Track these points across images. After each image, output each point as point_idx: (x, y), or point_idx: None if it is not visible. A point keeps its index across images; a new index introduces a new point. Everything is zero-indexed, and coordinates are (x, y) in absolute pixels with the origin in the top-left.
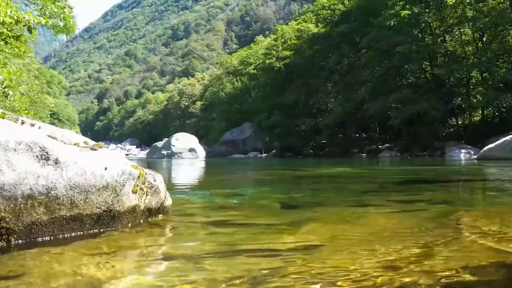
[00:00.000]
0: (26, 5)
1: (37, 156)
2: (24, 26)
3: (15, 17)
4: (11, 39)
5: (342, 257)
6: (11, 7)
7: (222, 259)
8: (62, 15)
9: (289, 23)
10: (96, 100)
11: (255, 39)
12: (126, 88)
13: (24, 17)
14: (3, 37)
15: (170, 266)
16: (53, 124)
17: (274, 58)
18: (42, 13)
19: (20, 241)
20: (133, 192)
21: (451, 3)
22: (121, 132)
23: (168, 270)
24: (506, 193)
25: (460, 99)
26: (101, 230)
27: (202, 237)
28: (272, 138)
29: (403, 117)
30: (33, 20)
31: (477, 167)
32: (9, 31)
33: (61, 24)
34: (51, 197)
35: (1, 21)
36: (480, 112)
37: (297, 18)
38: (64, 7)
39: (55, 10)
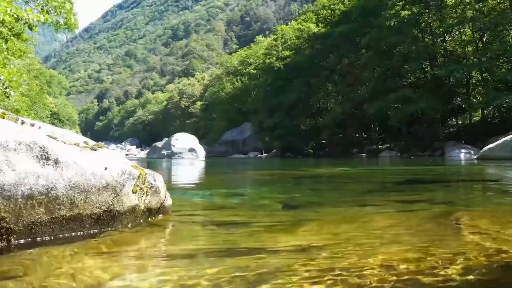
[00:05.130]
0: (26, 2)
1: (37, 156)
2: (24, 24)
3: (15, 15)
4: (12, 37)
5: (342, 257)
6: (11, 6)
7: (222, 259)
8: (63, 10)
9: (289, 23)
10: (96, 100)
11: (255, 39)
12: (126, 88)
13: (24, 15)
14: (3, 36)
15: (170, 266)
16: (53, 124)
17: (274, 58)
18: (41, 8)
19: (20, 241)
20: (133, 192)
21: (451, 3)
22: (121, 132)
23: (168, 270)
24: (506, 193)
25: (460, 99)
26: (101, 230)
27: (202, 237)
28: (272, 138)
29: (403, 117)
30: (33, 18)
31: (477, 167)
32: (9, 29)
33: (62, 20)
34: (51, 197)
35: (0, 19)
36: (480, 112)
37: (297, 18)
38: (64, 1)
39: (55, 4)
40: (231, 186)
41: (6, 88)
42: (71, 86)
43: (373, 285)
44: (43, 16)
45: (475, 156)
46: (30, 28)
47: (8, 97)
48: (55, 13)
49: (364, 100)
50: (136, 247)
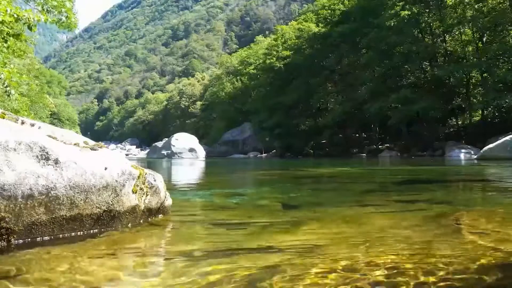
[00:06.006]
0: (26, 2)
1: (37, 156)
2: (24, 24)
3: (15, 15)
4: (11, 38)
5: (342, 257)
6: (11, 6)
7: (222, 259)
8: (63, 9)
9: (289, 23)
10: (96, 100)
11: (255, 39)
12: (126, 88)
13: (24, 15)
14: (3, 36)
15: (170, 266)
16: (53, 124)
17: (274, 58)
18: (41, 7)
19: (20, 241)
20: (133, 192)
21: (451, 3)
22: (121, 132)
23: (168, 270)
24: (506, 193)
25: (460, 99)
26: (101, 230)
27: (202, 237)
28: (272, 138)
29: (403, 117)
30: (33, 18)
31: (477, 167)
32: (9, 29)
33: (63, 18)
34: (51, 197)
35: (0, 20)
36: (480, 112)
37: (297, 18)
38: (64, 0)
39: (55, 4)
40: (231, 186)
41: (6, 87)
42: (71, 86)
43: (373, 285)
44: (43, 16)
45: (475, 156)
46: (30, 28)
47: (8, 95)
48: (56, 13)
49: (364, 100)
50: (136, 247)
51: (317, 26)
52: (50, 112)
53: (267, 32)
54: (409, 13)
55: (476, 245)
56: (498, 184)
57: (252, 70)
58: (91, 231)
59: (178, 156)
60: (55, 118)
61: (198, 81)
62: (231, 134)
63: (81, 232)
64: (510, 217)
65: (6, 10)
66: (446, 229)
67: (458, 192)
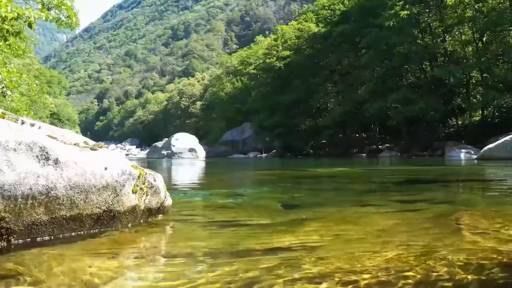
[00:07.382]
0: (26, 1)
1: (37, 156)
2: (24, 21)
3: (16, 13)
4: (11, 36)
5: (342, 257)
6: (11, 4)
7: (222, 259)
8: (63, 7)
9: (289, 23)
10: (96, 100)
11: (255, 39)
12: (126, 88)
13: (25, 13)
14: (2, 34)
15: (170, 266)
16: (53, 124)
17: (274, 58)
18: (42, 5)
19: (20, 241)
20: (133, 192)
21: (451, 3)
22: (121, 132)
23: (168, 270)
24: (506, 193)
25: (460, 99)
26: (101, 230)
27: (202, 237)
28: (272, 138)
29: (403, 117)
30: (34, 17)
31: (477, 167)
32: (10, 26)
33: (63, 17)
34: (51, 197)
35: (2, 16)
36: (480, 112)
37: (297, 18)
38: None
39: (55, 2)
40: (231, 186)
41: (3, 87)
42: (71, 86)
43: (373, 284)
44: (44, 14)
45: (475, 156)
46: (30, 26)
47: (4, 96)
48: (56, 12)
49: (364, 100)
50: (136, 247)
51: (317, 26)
52: (50, 112)
53: (267, 32)
54: (409, 13)
55: (476, 245)
56: (498, 184)
57: (252, 70)
58: (91, 231)
59: (178, 156)
60: (55, 118)
61: (198, 81)
62: (231, 134)
63: (81, 232)
64: (510, 217)
65: (7, 8)
66: (447, 229)
67: (458, 192)
